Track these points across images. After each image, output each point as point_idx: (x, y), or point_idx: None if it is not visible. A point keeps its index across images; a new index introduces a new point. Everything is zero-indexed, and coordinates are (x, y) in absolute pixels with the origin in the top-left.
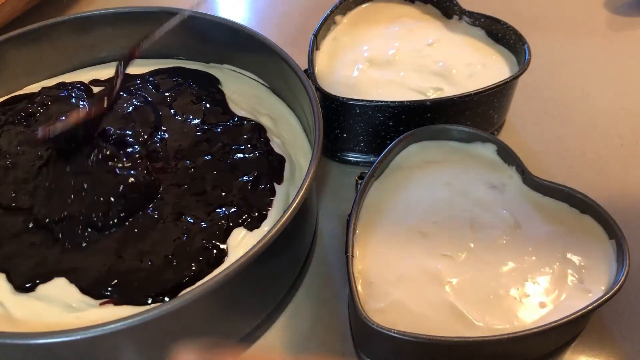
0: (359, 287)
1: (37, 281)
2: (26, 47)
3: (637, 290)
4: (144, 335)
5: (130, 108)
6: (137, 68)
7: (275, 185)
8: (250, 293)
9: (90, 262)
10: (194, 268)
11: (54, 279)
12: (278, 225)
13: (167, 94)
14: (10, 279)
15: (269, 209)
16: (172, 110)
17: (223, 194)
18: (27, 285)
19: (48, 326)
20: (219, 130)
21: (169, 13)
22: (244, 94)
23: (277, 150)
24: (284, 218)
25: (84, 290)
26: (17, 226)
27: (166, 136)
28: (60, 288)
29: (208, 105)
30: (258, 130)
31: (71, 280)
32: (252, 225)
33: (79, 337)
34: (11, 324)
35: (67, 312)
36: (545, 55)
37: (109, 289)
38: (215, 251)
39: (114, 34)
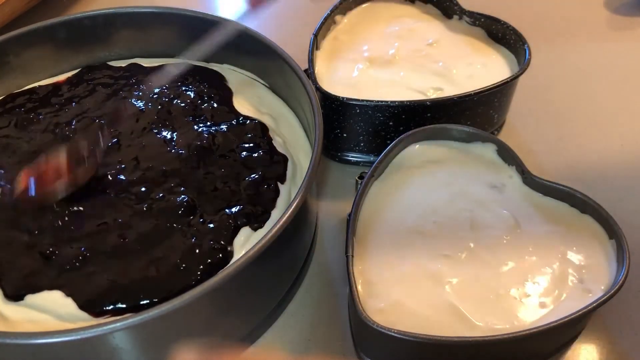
0: (359, 287)
1: (27, 292)
2: (26, 47)
3: (637, 290)
4: (144, 335)
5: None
6: (144, 61)
7: (279, 184)
8: (250, 293)
9: (91, 275)
10: (200, 271)
11: (48, 292)
12: (278, 225)
13: (173, 89)
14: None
15: (273, 208)
16: (182, 104)
17: (231, 191)
18: (17, 295)
19: (44, 328)
20: (224, 128)
21: (169, 14)
22: (245, 93)
23: (279, 149)
24: (284, 218)
25: (83, 307)
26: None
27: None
28: (54, 301)
29: (214, 103)
30: (261, 129)
31: (67, 294)
32: (258, 225)
33: (79, 337)
34: (7, 325)
35: (62, 321)
36: (545, 55)
37: (111, 305)
38: (221, 254)
39: (114, 34)
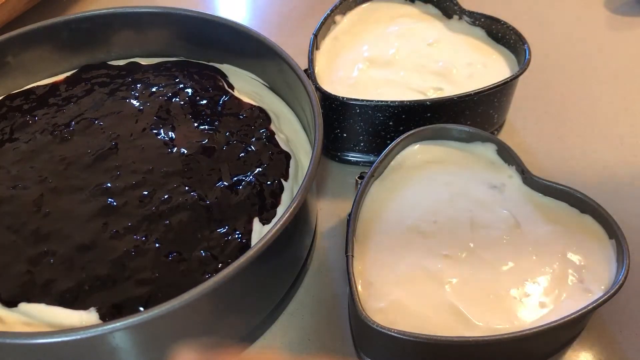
0: (359, 287)
1: (21, 300)
2: (26, 47)
3: (637, 290)
4: (144, 335)
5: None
6: (143, 60)
7: (283, 181)
8: (250, 293)
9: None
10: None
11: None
12: (278, 226)
13: (177, 85)
14: None
15: (279, 204)
16: (181, 102)
17: (239, 187)
18: (12, 301)
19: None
20: (226, 123)
21: (169, 14)
22: (245, 92)
23: (282, 146)
24: (284, 218)
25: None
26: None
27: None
28: (56, 314)
29: (215, 98)
30: (266, 118)
31: (76, 308)
32: (266, 221)
33: (79, 337)
34: (4, 326)
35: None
36: (545, 55)
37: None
38: (241, 245)
39: (114, 34)
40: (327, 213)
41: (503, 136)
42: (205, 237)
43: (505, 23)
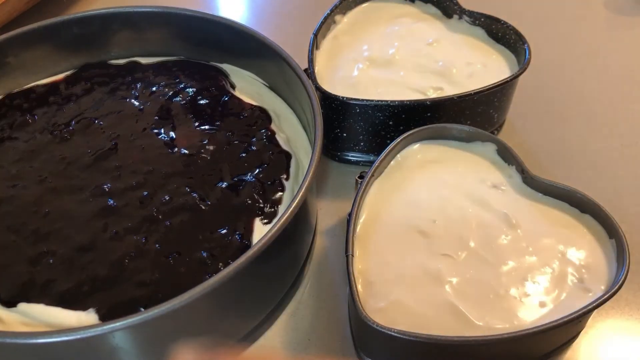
0: (359, 287)
1: (20, 300)
2: (26, 47)
3: (637, 290)
4: (143, 335)
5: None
6: (143, 60)
7: (283, 181)
8: (250, 293)
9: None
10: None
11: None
12: (278, 226)
13: (178, 85)
14: None
15: (280, 204)
16: (181, 102)
17: (240, 187)
18: (12, 301)
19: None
20: (230, 120)
21: (169, 14)
22: (246, 92)
23: (283, 146)
24: (284, 218)
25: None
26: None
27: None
28: (55, 314)
29: (216, 98)
30: (266, 119)
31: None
32: (267, 221)
33: (78, 337)
34: (4, 326)
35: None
36: (545, 55)
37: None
38: (241, 246)
39: (114, 34)
40: (327, 213)
41: (503, 136)
42: (206, 238)
43: (505, 23)
